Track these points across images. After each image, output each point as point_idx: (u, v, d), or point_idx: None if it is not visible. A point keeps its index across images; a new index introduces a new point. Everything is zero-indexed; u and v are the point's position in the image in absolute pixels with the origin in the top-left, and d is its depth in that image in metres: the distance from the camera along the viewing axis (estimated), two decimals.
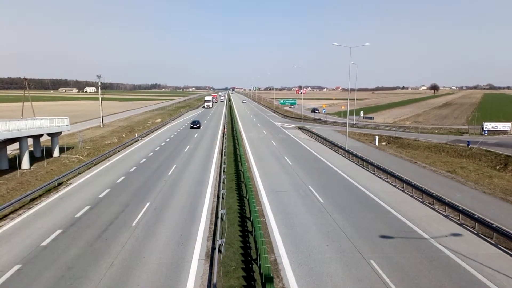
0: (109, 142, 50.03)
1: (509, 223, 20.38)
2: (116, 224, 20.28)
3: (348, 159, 39.66)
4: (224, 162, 34.58)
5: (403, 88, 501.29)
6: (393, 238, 18.61)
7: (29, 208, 23.09)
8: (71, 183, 29.11)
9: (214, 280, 13.95)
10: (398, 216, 21.86)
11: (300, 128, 70.54)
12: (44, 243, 17.86)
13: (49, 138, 39.49)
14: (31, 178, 30.03)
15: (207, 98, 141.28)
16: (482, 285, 14.27)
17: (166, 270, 15.32)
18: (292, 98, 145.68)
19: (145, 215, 21.68)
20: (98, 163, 36.59)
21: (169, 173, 32.12)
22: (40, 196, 25.70)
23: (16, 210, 22.73)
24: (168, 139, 53.69)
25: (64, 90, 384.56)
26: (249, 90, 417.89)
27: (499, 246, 17.83)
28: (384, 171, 31.60)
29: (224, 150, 40.75)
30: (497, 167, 37.54)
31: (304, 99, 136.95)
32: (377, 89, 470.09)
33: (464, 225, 20.54)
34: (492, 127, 62.91)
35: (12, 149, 37.37)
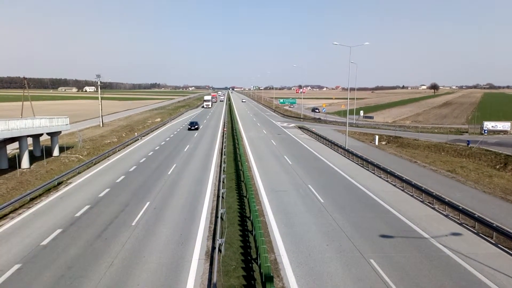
0: (108, 141, 50.00)
1: (509, 223, 20.38)
2: (116, 224, 20.26)
3: (348, 159, 39.65)
4: (224, 162, 34.56)
5: (403, 87, 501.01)
6: (393, 237, 18.61)
7: (29, 208, 23.07)
8: (70, 183, 29.09)
9: (214, 279, 13.94)
10: (398, 215, 21.86)
11: (300, 128, 70.53)
12: (44, 242, 17.84)
13: (49, 137, 39.46)
14: (30, 177, 30.01)
15: (206, 97, 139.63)
16: (482, 285, 14.27)
17: (166, 269, 15.31)
18: (292, 98, 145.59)
19: (145, 215, 21.67)
20: (97, 163, 36.57)
21: (169, 173, 32.11)
22: (40, 195, 25.68)
23: (16, 209, 22.71)
24: (167, 139, 53.67)
25: (63, 90, 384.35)
26: (249, 89, 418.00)
27: (499, 245, 17.83)
28: (384, 170, 31.60)
29: (224, 150, 40.74)
30: (497, 167, 37.55)
31: (304, 98, 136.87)
32: (377, 88, 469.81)
33: (464, 225, 20.54)
34: (492, 126, 62.91)
35: (11, 149, 37.35)
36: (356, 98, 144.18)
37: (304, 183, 29.07)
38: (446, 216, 21.93)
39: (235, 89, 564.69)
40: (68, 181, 29.47)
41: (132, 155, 40.90)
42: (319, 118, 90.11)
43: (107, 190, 26.80)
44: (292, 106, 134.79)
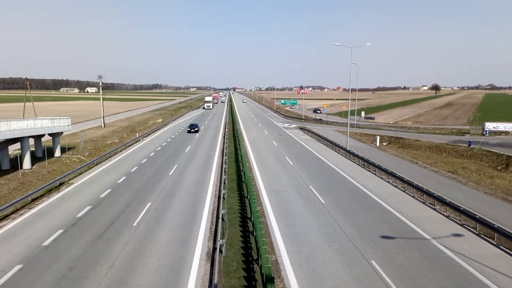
0: (110, 142, 50.08)
1: (510, 224, 20.33)
2: (117, 224, 20.29)
3: (349, 160, 39.63)
4: (225, 162, 34.58)
5: (404, 88, 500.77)
6: (394, 238, 18.59)
7: (31, 208, 23.13)
8: (72, 183, 29.15)
9: (215, 280, 13.95)
10: (399, 216, 21.83)
11: (301, 128, 70.52)
12: (45, 243, 17.88)
13: (51, 138, 39.56)
14: (32, 178, 30.08)
15: (207, 98, 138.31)
16: (484, 286, 14.24)
17: (167, 270, 15.33)
18: (293, 98, 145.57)
19: (146, 215, 21.70)
20: (99, 163, 36.63)
21: (170, 173, 32.14)
22: (42, 196, 25.74)
23: (17, 210, 22.77)
24: (169, 139, 53.73)
25: (65, 90, 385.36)
26: (250, 90, 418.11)
27: (501, 246, 17.80)
28: (385, 171, 31.57)
29: (225, 150, 40.75)
30: (499, 168, 37.47)
31: (305, 99, 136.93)
32: (378, 89, 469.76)
33: (465, 226, 20.50)
34: (494, 127, 62.78)
35: (13, 149, 37.43)
36: (357, 99, 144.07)
37: (305, 184, 29.07)
38: (447, 217, 21.90)
39: (236, 90, 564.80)
40: (69, 182, 29.53)
41: (133, 155, 40.97)
42: (320, 119, 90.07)
43: (109, 190, 26.85)
44: (293, 107, 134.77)
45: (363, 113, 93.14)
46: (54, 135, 38.96)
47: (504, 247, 17.71)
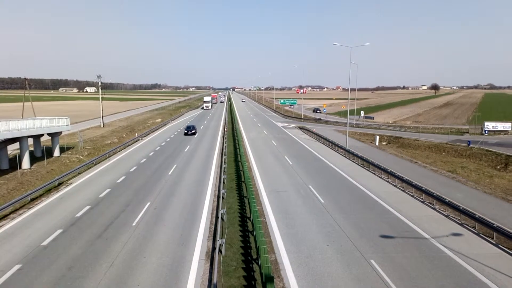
0: (109, 142, 50.04)
1: (509, 223, 20.35)
2: (117, 224, 20.27)
3: (349, 159, 39.64)
4: (224, 162, 34.57)
5: (404, 88, 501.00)
6: (394, 238, 18.60)
7: (30, 208, 23.10)
8: (71, 183, 29.12)
9: (215, 280, 13.94)
10: (399, 216, 21.84)
11: (300, 128, 70.53)
12: (45, 243, 17.86)
13: (50, 138, 39.51)
14: (31, 178, 30.04)
15: (206, 98, 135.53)
16: (483, 285, 14.25)
17: (167, 270, 15.32)
18: (293, 98, 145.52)
19: (146, 215, 21.68)
20: (98, 163, 36.60)
21: (170, 173, 32.12)
22: (41, 196, 25.71)
23: (16, 210, 22.74)
24: (168, 139, 53.69)
25: (64, 90, 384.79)
26: (249, 90, 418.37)
27: (500, 246, 17.81)
28: (385, 171, 31.58)
29: (224, 150, 40.75)
30: (498, 167, 37.51)
31: (304, 99, 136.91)
32: (378, 88, 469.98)
33: (464, 225, 20.52)
34: (493, 126, 62.87)
35: (12, 149, 37.38)
36: (357, 99, 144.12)
37: (304, 183, 29.07)
38: (446, 216, 21.91)
39: (235, 90, 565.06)
40: (68, 182, 29.50)
41: (132, 155, 40.94)
42: (320, 119, 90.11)
43: (108, 190, 26.82)
44: (292, 106, 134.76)
45: (362, 113, 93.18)
46: (53, 135, 38.92)
47: (503, 246, 17.72)
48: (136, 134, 57.91)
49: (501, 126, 63.12)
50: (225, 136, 53.54)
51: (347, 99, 60.91)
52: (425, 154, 44.92)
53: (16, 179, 29.26)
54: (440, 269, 15.48)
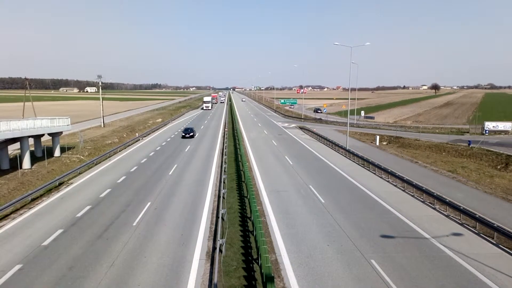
0: (110, 142, 50.07)
1: (510, 223, 20.35)
2: (117, 224, 20.29)
3: (349, 159, 39.63)
4: (224, 162, 34.58)
5: (404, 87, 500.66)
6: (394, 237, 18.60)
7: (30, 208, 23.12)
8: (72, 183, 29.14)
9: (215, 279, 13.95)
10: (399, 215, 21.84)
11: (301, 128, 70.52)
12: (45, 242, 17.88)
13: (50, 138, 39.53)
14: (32, 178, 30.06)
15: (206, 99, 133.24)
16: (483, 285, 14.26)
17: (167, 269, 15.33)
18: (293, 98, 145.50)
19: (146, 215, 21.70)
20: (99, 163, 36.63)
21: (170, 173, 32.14)
22: (41, 196, 25.73)
23: (17, 210, 22.77)
24: (169, 139, 53.70)
25: (65, 90, 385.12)
26: (250, 89, 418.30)
27: (500, 245, 17.81)
28: (385, 170, 31.58)
29: (224, 150, 40.76)
30: (498, 167, 37.49)
31: (304, 98, 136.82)
32: (378, 88, 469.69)
33: (465, 225, 20.51)
34: (493, 126, 62.81)
35: (13, 149, 37.41)
36: (357, 99, 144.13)
37: (305, 183, 29.07)
38: (447, 216, 21.91)
39: (236, 90, 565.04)
40: (69, 182, 29.52)
41: (133, 155, 40.96)
42: (320, 119, 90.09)
43: (108, 190, 26.84)
44: (292, 106, 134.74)
45: (362, 113, 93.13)
46: (54, 135, 38.95)
47: (503, 246, 17.72)
48: (137, 134, 57.94)
49: (501, 126, 63.06)
50: (225, 136, 53.54)
51: (348, 99, 60.90)
52: (426, 154, 44.90)
53: (17, 179, 29.29)
54: (441, 269, 15.48)
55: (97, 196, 25.42)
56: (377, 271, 15.21)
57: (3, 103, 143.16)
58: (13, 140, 33.09)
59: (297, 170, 33.54)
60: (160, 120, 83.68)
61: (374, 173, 32.80)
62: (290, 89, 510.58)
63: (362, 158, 37.52)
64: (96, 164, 35.99)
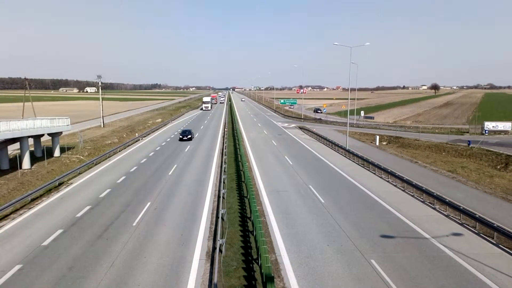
0: (109, 142, 50.06)
1: (510, 223, 20.35)
2: (117, 224, 20.29)
3: (349, 159, 39.64)
4: (224, 162, 34.58)
5: (404, 87, 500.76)
6: (394, 237, 18.61)
7: (30, 208, 23.12)
8: (71, 183, 29.13)
9: (215, 279, 13.95)
10: (399, 215, 21.85)
11: (300, 128, 70.53)
12: (45, 243, 17.88)
13: (50, 138, 39.53)
14: (31, 178, 30.05)
15: (205, 99, 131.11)
16: (483, 285, 14.26)
17: (167, 270, 15.33)
18: (293, 98, 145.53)
19: (146, 215, 21.69)
20: (98, 163, 36.62)
21: (170, 173, 32.13)
22: (41, 196, 25.73)
23: (17, 210, 22.76)
24: (168, 139, 53.70)
25: (64, 90, 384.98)
26: (250, 90, 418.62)
27: (500, 245, 17.82)
28: (385, 170, 31.59)
29: (224, 150, 40.77)
30: (498, 167, 37.51)
31: (304, 98, 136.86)
32: (378, 88, 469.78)
33: (465, 225, 20.52)
34: (493, 126, 62.84)
35: (12, 149, 37.40)
36: (357, 99, 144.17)
37: (304, 183, 29.08)
38: (447, 216, 21.92)
39: (235, 90, 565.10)
40: (69, 182, 29.52)
41: (133, 155, 40.95)
42: (320, 119, 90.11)
43: (108, 190, 26.84)
44: (292, 106, 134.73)
45: (362, 113, 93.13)
46: (54, 135, 38.94)
47: (503, 246, 17.73)
48: (137, 134, 57.93)
49: (501, 126, 63.09)
50: (225, 136, 53.54)
51: (347, 99, 60.92)
52: (425, 154, 44.92)
53: (17, 179, 29.28)
54: (440, 269, 15.48)
55: (97, 196, 25.41)
56: (377, 271, 15.22)
57: (3, 103, 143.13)
58: (13, 140, 33.08)
59: (297, 170, 33.55)
60: (159, 120, 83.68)
61: (374, 173, 32.81)
62: (290, 89, 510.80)
63: (362, 158, 37.52)
64: (96, 164, 35.99)
